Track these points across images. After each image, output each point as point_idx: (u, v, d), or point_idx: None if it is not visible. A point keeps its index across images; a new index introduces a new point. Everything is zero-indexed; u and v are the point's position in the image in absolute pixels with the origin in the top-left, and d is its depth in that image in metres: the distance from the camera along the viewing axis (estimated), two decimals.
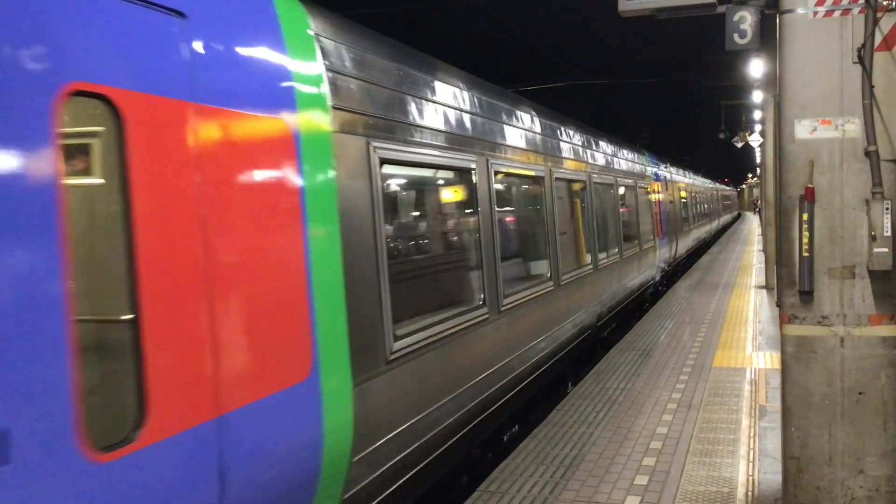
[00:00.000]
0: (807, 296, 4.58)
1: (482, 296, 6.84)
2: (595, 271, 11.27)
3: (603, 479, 6.30)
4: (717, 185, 51.88)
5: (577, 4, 15.18)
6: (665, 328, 13.22)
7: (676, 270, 23.96)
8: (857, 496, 4.56)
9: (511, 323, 7.51)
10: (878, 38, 4.40)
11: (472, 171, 6.81)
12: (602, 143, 13.35)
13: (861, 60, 4.39)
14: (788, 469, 4.69)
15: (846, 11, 4.45)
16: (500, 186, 7.77)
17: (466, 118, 6.86)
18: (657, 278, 18.48)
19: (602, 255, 11.99)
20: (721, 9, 4.80)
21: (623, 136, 19.49)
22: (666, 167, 22.59)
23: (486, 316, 6.82)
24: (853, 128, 4.47)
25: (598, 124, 15.34)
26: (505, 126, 7.91)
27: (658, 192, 19.45)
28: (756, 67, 15.86)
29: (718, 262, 26.28)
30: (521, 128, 8.50)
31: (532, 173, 8.73)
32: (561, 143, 10.26)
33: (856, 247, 4.50)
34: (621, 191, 14.48)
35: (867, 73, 4.39)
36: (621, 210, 14.01)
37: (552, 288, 8.90)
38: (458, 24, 17.66)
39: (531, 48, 19.24)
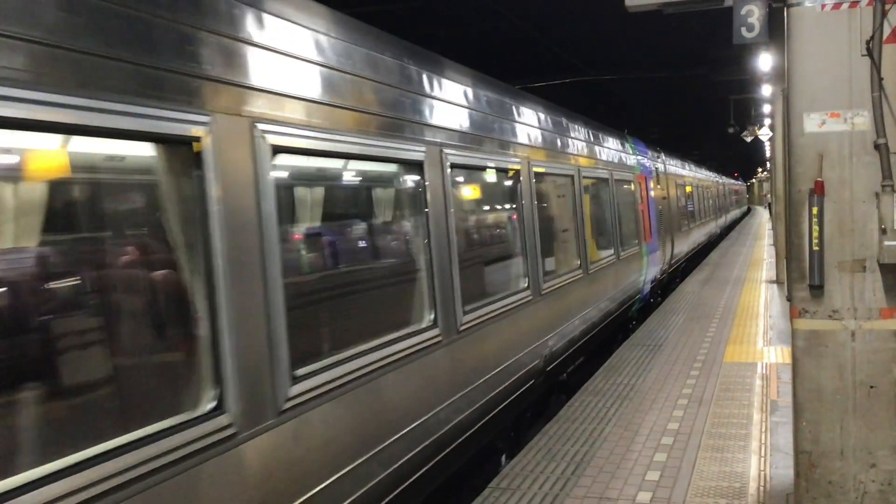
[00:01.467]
0: (817, 290, 4.56)
1: (261, 389, 3.82)
2: (537, 300, 8.27)
3: (614, 475, 6.30)
4: (725, 178, 48.67)
5: None
6: (675, 324, 13.19)
7: (676, 276, 21.21)
8: (869, 490, 4.55)
9: (340, 413, 4.46)
10: (886, 31, 4.38)
11: (200, 148, 3.53)
12: (553, 120, 9.91)
13: (870, 53, 4.37)
14: (800, 463, 4.67)
15: (854, 4, 4.43)
16: (313, 178, 4.96)
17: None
18: (646, 291, 15.41)
19: (551, 276, 8.98)
20: (728, 2, 4.78)
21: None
22: (658, 156, 19.24)
23: (250, 427, 3.72)
24: (862, 121, 4.44)
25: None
26: (324, 69, 4.64)
27: (647, 187, 16.23)
28: (765, 61, 15.79)
29: (728, 256, 26.20)
30: (373, 78, 5.22)
31: (402, 156, 5.58)
32: (469, 112, 6.99)
33: (866, 240, 4.48)
34: (588, 185, 11.27)
35: (876, 66, 4.37)
36: (587, 210, 10.86)
37: (438, 340, 5.82)
38: (464, 21, 17.66)
39: (538, 44, 19.23)
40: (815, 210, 4.51)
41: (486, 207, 8.44)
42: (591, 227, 11.26)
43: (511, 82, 9.55)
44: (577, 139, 11.04)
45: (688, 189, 24.92)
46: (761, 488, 5.92)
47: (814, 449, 4.62)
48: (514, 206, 8.29)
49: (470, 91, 7.16)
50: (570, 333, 9.58)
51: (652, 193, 16.84)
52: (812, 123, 4.52)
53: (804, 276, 4.58)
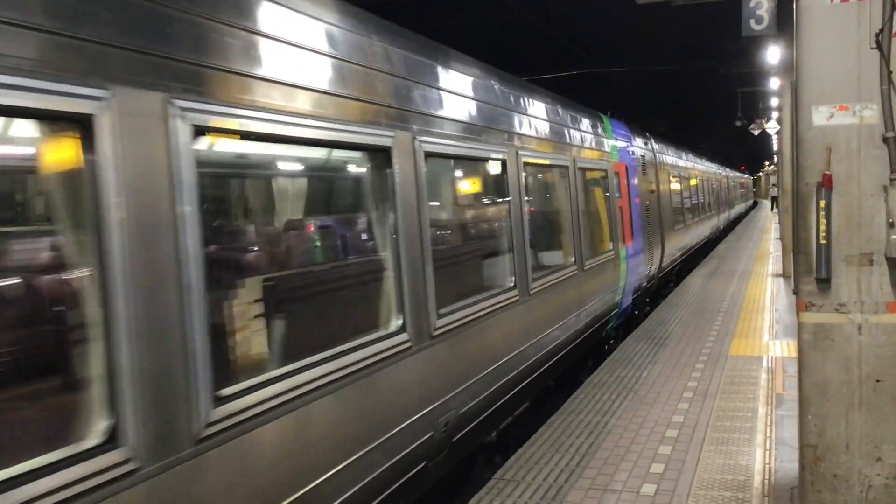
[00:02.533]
0: (824, 283, 4.55)
1: None
2: (426, 345, 5.50)
3: (619, 468, 6.31)
4: (729, 170, 46.13)
5: None
6: (680, 317, 13.18)
7: (669, 279, 18.67)
8: (874, 484, 4.55)
9: None
10: None
11: None
12: (471, 79, 6.94)
13: (879, 46, 4.36)
14: (805, 457, 4.68)
15: None
16: None
17: None
18: (626, 304, 12.78)
19: (457, 306, 6.15)
20: None
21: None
22: (647, 144, 16.50)
23: None
24: (871, 114, 4.43)
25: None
26: None
27: (629, 178, 13.54)
28: (773, 54, 15.73)
29: (735, 250, 26.15)
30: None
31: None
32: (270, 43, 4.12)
33: (873, 234, 4.48)
34: (533, 174, 8.70)
35: (885, 59, 4.35)
36: (529, 207, 8.07)
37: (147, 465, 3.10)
38: (474, 13, 17.63)
39: (547, 37, 19.18)
40: (822, 203, 4.50)
41: (317, 207, 5.43)
42: (537, 230, 8.45)
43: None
44: (516, 111, 7.96)
45: (685, 182, 22.31)
46: (766, 481, 5.92)
47: (819, 442, 4.62)
48: (383, 202, 5.29)
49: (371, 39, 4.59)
50: (495, 382, 6.81)
51: (637, 186, 14.25)
52: (820, 116, 4.51)
53: (811, 270, 4.58)
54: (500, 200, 7.63)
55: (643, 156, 15.46)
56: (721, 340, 11.05)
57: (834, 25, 4.47)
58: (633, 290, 13.20)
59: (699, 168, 27.21)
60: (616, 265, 11.81)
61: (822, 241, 4.52)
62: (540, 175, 9.23)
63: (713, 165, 34.54)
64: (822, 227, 4.51)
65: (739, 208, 51.49)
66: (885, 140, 4.40)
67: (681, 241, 19.88)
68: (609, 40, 20.98)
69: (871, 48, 4.39)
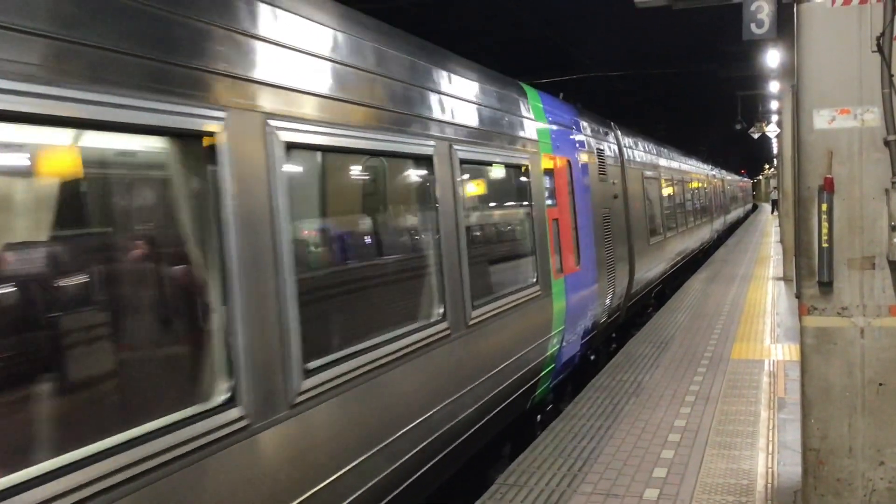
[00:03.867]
0: (826, 287, 4.55)
1: None
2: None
3: (621, 472, 6.30)
4: (725, 172, 41.57)
5: None
6: (682, 321, 13.18)
7: (647, 304, 15.87)
8: (877, 488, 4.54)
9: None
10: None
11: None
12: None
13: (880, 49, 4.36)
14: (808, 461, 4.67)
15: (864, 0, 4.41)
16: None
17: None
18: (568, 355, 9.20)
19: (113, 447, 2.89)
20: None
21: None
22: (608, 135, 12.66)
23: None
24: (872, 117, 4.43)
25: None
26: None
27: (573, 178, 9.77)
28: (773, 57, 15.77)
29: (735, 253, 26.16)
30: None
31: None
32: None
33: (875, 237, 4.47)
34: (351, 172, 5.46)
35: (886, 62, 4.36)
36: (332, 230, 5.09)
37: None
38: (473, 17, 17.65)
39: (546, 40, 19.20)
40: (824, 207, 4.50)
41: None
42: (350, 271, 5.21)
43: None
44: (279, 44, 4.07)
45: (668, 186, 18.58)
46: (769, 485, 5.91)
47: (822, 446, 4.62)
48: None
49: None
50: None
51: (589, 189, 10.55)
52: (822, 120, 4.51)
53: (813, 273, 4.58)
54: (250, 216, 3.73)
55: (601, 150, 11.62)
56: (722, 344, 11.04)
57: (835, 29, 4.48)
58: (582, 333, 9.72)
59: (687, 169, 23.02)
60: (546, 305, 8.21)
61: (824, 245, 4.52)
62: (356, 171, 5.56)
63: (706, 166, 30.42)
64: (824, 231, 4.51)
65: (738, 213, 49.48)
66: (886, 143, 4.40)
67: (660, 257, 16.24)
68: (609, 44, 21.01)
69: (872, 51, 4.39)
